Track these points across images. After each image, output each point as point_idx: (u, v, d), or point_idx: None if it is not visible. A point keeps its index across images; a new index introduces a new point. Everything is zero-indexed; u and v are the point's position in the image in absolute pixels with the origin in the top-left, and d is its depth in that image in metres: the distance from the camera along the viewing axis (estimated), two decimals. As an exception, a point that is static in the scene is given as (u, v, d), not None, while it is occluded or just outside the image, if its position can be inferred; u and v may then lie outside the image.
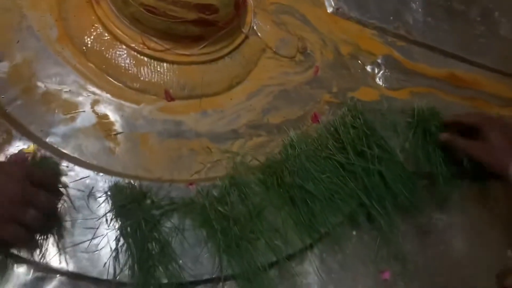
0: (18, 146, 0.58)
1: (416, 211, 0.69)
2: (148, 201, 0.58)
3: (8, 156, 0.56)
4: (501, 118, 0.69)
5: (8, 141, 0.58)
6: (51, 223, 0.52)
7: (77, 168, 0.58)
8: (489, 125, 0.66)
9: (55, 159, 0.56)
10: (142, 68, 0.66)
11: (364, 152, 0.67)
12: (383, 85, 0.83)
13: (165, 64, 0.67)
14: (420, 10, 0.92)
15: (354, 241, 0.67)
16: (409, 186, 0.68)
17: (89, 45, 0.65)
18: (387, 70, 0.84)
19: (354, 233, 0.67)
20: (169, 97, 0.67)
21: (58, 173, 0.56)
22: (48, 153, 0.58)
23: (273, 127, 0.72)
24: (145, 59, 0.67)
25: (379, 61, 0.85)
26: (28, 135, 0.59)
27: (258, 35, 0.76)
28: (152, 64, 0.67)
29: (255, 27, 0.76)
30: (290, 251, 0.62)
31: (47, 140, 0.60)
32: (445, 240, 0.71)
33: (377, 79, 0.84)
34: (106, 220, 0.56)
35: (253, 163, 0.67)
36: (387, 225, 0.67)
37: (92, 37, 0.66)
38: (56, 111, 0.61)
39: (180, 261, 0.57)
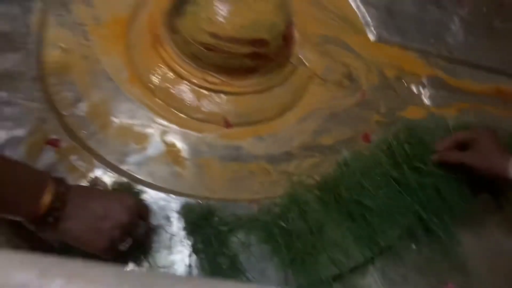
0: (98, 174, 0.65)
1: (475, 222, 0.70)
2: (216, 219, 0.63)
3: (90, 180, 0.62)
4: (487, 128, 0.69)
5: (91, 169, 0.65)
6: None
7: (150, 191, 0.64)
8: (477, 134, 0.66)
9: (132, 185, 0.63)
10: (203, 100, 0.73)
11: (419, 167, 0.69)
12: (430, 103, 0.86)
13: (223, 96, 0.73)
14: (459, 30, 0.95)
15: (414, 254, 0.68)
16: (466, 198, 0.69)
17: (156, 84, 0.73)
18: (432, 89, 0.87)
19: (413, 246, 0.68)
20: (228, 125, 0.73)
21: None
22: (125, 179, 0.64)
23: (326, 148, 0.75)
24: (205, 92, 0.73)
25: (423, 81, 0.88)
26: (107, 164, 0.66)
27: (305, 64, 0.81)
28: (212, 96, 0.73)
29: (302, 58, 0.81)
30: (352, 264, 0.64)
31: (123, 167, 0.66)
32: (509, 250, 0.70)
33: (424, 98, 0.86)
34: (180, 237, 0.61)
35: (309, 182, 0.70)
36: (447, 237, 0.68)
37: (158, 76, 0.73)
38: (130, 142, 0.68)
39: (248, 275, 0.60)
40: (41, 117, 0.67)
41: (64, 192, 0.50)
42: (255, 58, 0.71)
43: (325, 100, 0.81)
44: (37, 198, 0.48)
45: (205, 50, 0.70)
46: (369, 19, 0.93)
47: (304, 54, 0.82)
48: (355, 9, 0.93)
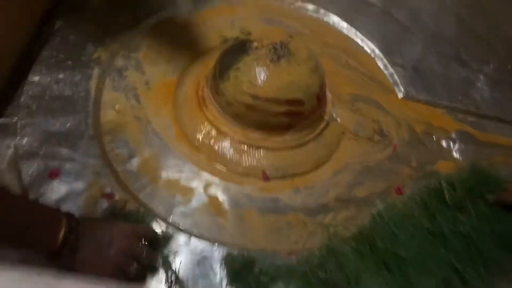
0: (148, 223, 0.70)
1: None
2: (257, 269, 0.66)
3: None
4: None
5: (142, 220, 0.70)
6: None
7: (195, 241, 0.69)
8: None
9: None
10: (243, 155, 0.78)
11: (452, 217, 0.71)
12: (460, 157, 0.88)
13: (261, 151, 0.79)
14: (485, 87, 0.99)
15: (453, 305, 0.68)
16: (502, 248, 0.70)
17: (200, 140, 0.80)
18: (461, 143, 0.90)
19: (451, 297, 0.69)
20: (266, 178, 0.77)
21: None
22: (171, 230, 0.69)
23: (360, 200, 0.79)
24: (245, 147, 0.79)
25: (453, 135, 0.91)
26: (155, 215, 0.71)
27: (337, 120, 0.86)
28: (251, 151, 0.79)
29: (334, 115, 0.87)
30: (390, 314, 0.65)
31: (170, 219, 0.71)
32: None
33: (454, 153, 0.89)
34: (222, 286, 0.64)
35: (345, 233, 0.73)
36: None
37: (202, 134, 0.80)
38: (176, 194, 0.74)
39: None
40: (97, 172, 0.74)
41: (76, 226, 0.56)
42: (291, 116, 0.77)
43: (358, 155, 0.85)
44: (55, 234, 0.54)
45: (246, 110, 0.76)
46: (397, 78, 0.99)
47: (336, 111, 0.88)
48: (383, 70, 0.99)
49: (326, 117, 0.84)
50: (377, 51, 1.02)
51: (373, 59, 1.01)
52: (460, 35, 1.08)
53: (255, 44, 0.78)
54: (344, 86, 0.93)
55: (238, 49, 0.79)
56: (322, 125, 0.84)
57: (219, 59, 0.80)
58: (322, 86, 0.80)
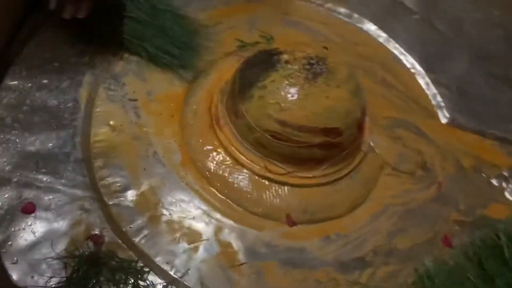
0: (144, 278, 0.56)
1: None
2: None
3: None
4: None
5: (137, 274, 0.56)
6: None
7: (202, 304, 0.54)
8: None
9: None
10: (263, 192, 0.64)
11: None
12: (514, 200, 0.75)
13: (286, 188, 0.65)
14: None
15: None
16: None
17: (211, 170, 0.65)
18: (516, 184, 0.77)
19: None
20: (291, 222, 0.63)
21: None
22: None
23: (403, 253, 0.65)
24: (267, 182, 0.65)
25: (505, 173, 0.78)
26: (153, 267, 0.57)
27: (376, 151, 0.72)
28: (274, 188, 0.65)
29: (372, 144, 0.73)
30: None
31: (172, 273, 0.57)
32: None
33: (507, 194, 0.76)
34: None
35: (385, 297, 0.59)
36: None
37: (214, 162, 0.66)
38: (181, 241, 0.60)
39: None
40: (84, 207, 0.60)
41: None
42: (326, 148, 0.63)
43: (399, 194, 0.71)
44: None
45: (271, 138, 0.62)
46: (440, 100, 0.85)
47: (375, 140, 0.73)
48: (425, 89, 0.85)
49: (364, 148, 0.70)
50: (417, 66, 0.88)
51: (414, 76, 0.87)
52: (509, 52, 0.94)
53: (286, 57, 0.63)
54: (382, 108, 0.79)
55: (264, 61, 0.64)
56: (358, 158, 0.69)
57: (239, 73, 0.65)
58: (363, 112, 0.66)
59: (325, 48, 0.67)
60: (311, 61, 0.63)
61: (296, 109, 0.61)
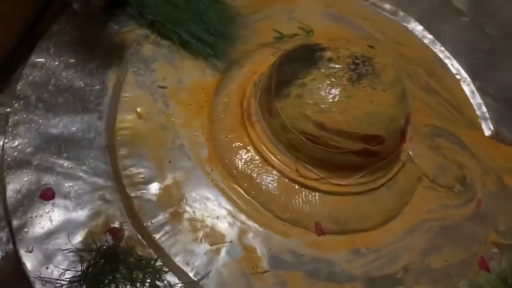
0: (161, 277, 0.53)
1: None
2: None
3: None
4: None
5: (154, 273, 0.53)
6: None
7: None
8: None
9: None
10: (293, 197, 0.61)
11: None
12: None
13: (317, 194, 0.61)
14: None
15: None
16: None
17: (239, 168, 0.62)
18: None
19: None
20: (320, 231, 0.60)
21: None
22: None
23: (436, 273, 0.61)
24: (297, 187, 0.61)
25: (550, 194, 0.73)
26: (172, 267, 0.54)
27: (414, 161, 0.68)
28: (304, 193, 0.61)
29: (411, 153, 0.68)
30: None
31: (192, 275, 0.54)
32: None
33: (551, 217, 0.70)
34: None
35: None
36: None
37: (243, 160, 0.62)
38: (203, 241, 0.56)
39: None
40: (105, 198, 0.57)
41: None
42: (364, 155, 0.59)
43: (435, 209, 0.67)
44: None
45: (306, 140, 0.58)
46: (485, 110, 0.79)
47: (414, 148, 0.69)
48: (470, 98, 0.80)
49: (403, 157, 0.65)
50: (463, 72, 0.83)
51: (459, 82, 0.81)
52: None
53: (329, 54, 0.59)
54: (422, 115, 0.74)
55: (305, 57, 0.60)
56: (396, 167, 0.65)
57: (277, 67, 0.61)
58: (407, 120, 0.61)
59: (371, 47, 0.62)
60: (357, 61, 0.58)
61: (336, 112, 0.56)
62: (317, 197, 0.61)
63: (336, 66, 0.58)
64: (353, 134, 0.56)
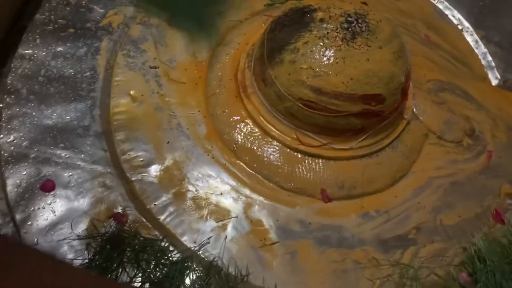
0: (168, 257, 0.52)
1: None
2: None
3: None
4: None
5: (162, 254, 0.52)
6: None
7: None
8: None
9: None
10: (296, 166, 0.59)
11: None
12: None
13: (321, 161, 0.59)
14: None
15: None
16: None
17: (239, 142, 0.60)
18: None
19: None
20: (326, 198, 0.58)
21: None
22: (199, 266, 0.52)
23: (449, 230, 0.60)
24: (299, 155, 0.60)
25: None
26: (180, 246, 0.54)
27: (419, 119, 0.66)
28: (307, 161, 0.59)
29: (415, 110, 0.66)
30: None
31: (200, 253, 0.53)
32: None
33: None
34: None
35: (430, 278, 0.54)
36: None
37: (242, 134, 0.61)
38: (208, 218, 0.56)
39: None
40: (105, 184, 0.56)
41: None
42: (365, 117, 0.57)
43: (444, 165, 0.65)
44: None
45: (304, 107, 0.56)
46: (490, 59, 0.76)
47: (418, 105, 0.67)
48: (474, 48, 0.77)
49: (407, 115, 0.63)
50: (465, 22, 0.80)
51: (461, 33, 0.78)
52: None
53: (320, 14, 0.56)
54: (425, 70, 0.72)
55: (295, 20, 0.58)
56: (400, 126, 0.63)
57: (268, 34, 0.59)
58: (408, 76, 0.59)
59: (364, 3, 0.59)
60: (349, 19, 0.56)
61: (332, 75, 0.54)
62: (320, 164, 0.59)
63: (329, 26, 0.55)
64: (351, 96, 0.54)
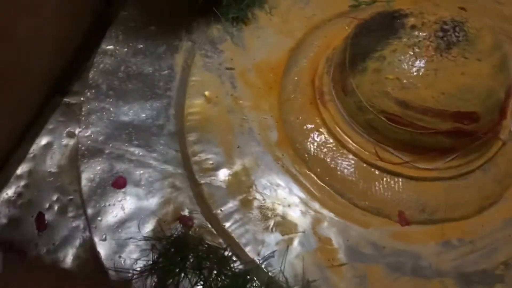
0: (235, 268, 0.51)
1: None
2: None
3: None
4: None
5: (225, 264, 0.51)
6: None
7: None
8: None
9: None
10: (372, 183, 0.55)
11: None
12: None
13: (401, 180, 0.55)
14: None
15: None
16: None
17: (311, 152, 0.57)
18: None
19: None
20: (404, 221, 0.54)
21: None
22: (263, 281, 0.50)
23: (544, 270, 0.52)
24: (377, 172, 0.55)
25: None
26: (242, 255, 0.52)
27: (517, 140, 0.58)
28: (385, 179, 0.55)
29: (513, 130, 0.59)
30: None
31: (264, 266, 0.51)
32: None
33: None
34: None
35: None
36: None
37: (315, 144, 0.57)
38: (274, 230, 0.53)
39: None
40: (175, 185, 0.56)
41: None
42: (456, 136, 0.51)
43: (543, 195, 0.57)
44: None
45: (387, 121, 0.52)
46: None
47: (516, 125, 0.59)
48: None
49: (503, 135, 0.57)
50: None
51: None
52: None
53: (412, 20, 0.51)
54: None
55: (383, 26, 0.53)
56: (495, 147, 0.56)
57: (352, 39, 0.55)
58: (509, 93, 0.52)
59: (463, 9, 0.53)
60: (445, 27, 0.50)
61: (421, 88, 0.49)
62: (400, 183, 0.55)
63: (421, 34, 0.50)
64: (442, 112, 0.49)
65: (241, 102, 0.62)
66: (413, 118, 0.50)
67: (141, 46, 0.65)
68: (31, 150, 0.60)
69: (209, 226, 0.54)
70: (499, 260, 0.53)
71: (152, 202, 0.55)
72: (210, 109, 0.61)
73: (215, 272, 0.50)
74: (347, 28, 0.65)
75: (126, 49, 0.65)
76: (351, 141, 0.56)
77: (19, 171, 0.58)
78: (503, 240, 0.54)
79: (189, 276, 0.49)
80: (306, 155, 0.58)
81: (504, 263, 0.53)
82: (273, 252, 0.52)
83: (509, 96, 0.52)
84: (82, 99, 0.62)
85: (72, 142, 0.61)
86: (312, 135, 0.58)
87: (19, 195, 0.57)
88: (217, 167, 0.57)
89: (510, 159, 0.58)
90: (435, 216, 0.54)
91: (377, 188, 0.55)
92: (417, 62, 0.50)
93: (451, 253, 0.53)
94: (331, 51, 0.62)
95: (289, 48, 0.65)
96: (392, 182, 0.55)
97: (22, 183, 0.58)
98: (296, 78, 0.62)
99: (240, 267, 0.51)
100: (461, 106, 0.49)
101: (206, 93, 0.62)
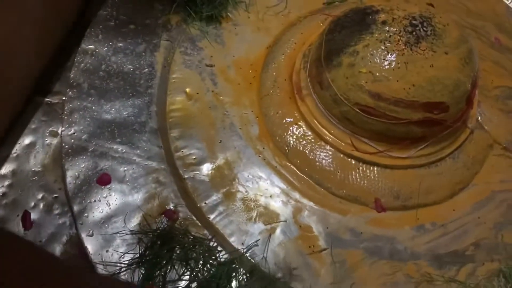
0: (216, 257, 0.52)
1: None
2: None
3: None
4: None
5: (209, 254, 0.53)
6: None
7: (279, 292, 0.50)
8: None
9: None
10: (349, 173, 0.57)
11: None
12: None
13: (376, 169, 0.57)
14: None
15: None
16: None
17: (291, 145, 0.59)
18: None
19: None
20: (380, 208, 0.56)
21: None
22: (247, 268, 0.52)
23: (511, 249, 0.56)
24: (353, 162, 0.58)
25: None
26: (227, 247, 0.54)
27: (484, 128, 0.62)
28: (361, 168, 0.58)
29: (480, 119, 0.62)
30: None
31: (248, 255, 0.53)
32: None
33: None
34: None
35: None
36: None
37: (294, 136, 0.60)
38: (257, 220, 0.55)
39: None
40: (159, 181, 0.57)
41: None
42: (426, 125, 0.54)
43: (509, 179, 0.61)
44: None
45: (361, 113, 0.54)
46: None
47: (483, 113, 0.63)
48: (549, 52, 0.71)
49: (470, 124, 0.60)
50: (541, 25, 0.73)
51: (535, 37, 0.72)
52: None
53: (383, 16, 0.54)
54: (493, 76, 0.68)
55: (356, 22, 0.56)
56: (463, 136, 0.60)
57: (326, 35, 0.57)
58: (474, 83, 0.55)
59: (431, 5, 0.56)
60: (414, 22, 0.53)
61: (393, 80, 0.52)
62: (375, 172, 0.58)
63: (391, 29, 0.53)
64: (413, 103, 0.52)
65: (222, 98, 0.63)
66: (386, 109, 0.53)
67: (121, 45, 0.66)
68: (14, 150, 0.60)
69: (194, 218, 0.55)
70: (469, 242, 0.56)
71: (137, 197, 0.56)
72: (192, 106, 0.63)
73: (201, 262, 0.51)
74: (322, 24, 0.67)
75: (106, 48, 0.65)
76: (328, 133, 0.59)
77: (2, 171, 0.58)
78: (473, 223, 0.57)
79: (176, 267, 0.51)
80: (286, 148, 0.60)
81: (474, 244, 0.56)
82: (257, 241, 0.54)
83: (474, 87, 0.56)
84: (64, 98, 0.62)
85: (55, 141, 0.61)
86: (291, 128, 0.60)
87: (3, 194, 0.57)
88: (200, 162, 0.59)
89: (478, 146, 0.61)
90: (409, 202, 0.57)
91: (353, 177, 0.57)
92: (389, 56, 0.52)
93: (425, 237, 0.56)
94: (307, 47, 0.65)
95: (266, 45, 0.67)
96: (367, 171, 0.57)
97: (6, 182, 0.58)
98: (274, 74, 0.64)
99: (225, 256, 0.52)
100: (431, 97, 0.52)
101: (187, 90, 0.63)
